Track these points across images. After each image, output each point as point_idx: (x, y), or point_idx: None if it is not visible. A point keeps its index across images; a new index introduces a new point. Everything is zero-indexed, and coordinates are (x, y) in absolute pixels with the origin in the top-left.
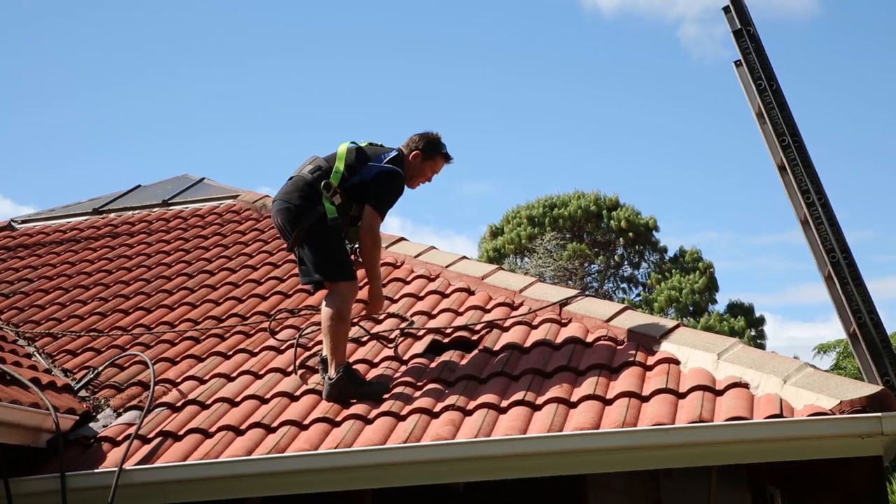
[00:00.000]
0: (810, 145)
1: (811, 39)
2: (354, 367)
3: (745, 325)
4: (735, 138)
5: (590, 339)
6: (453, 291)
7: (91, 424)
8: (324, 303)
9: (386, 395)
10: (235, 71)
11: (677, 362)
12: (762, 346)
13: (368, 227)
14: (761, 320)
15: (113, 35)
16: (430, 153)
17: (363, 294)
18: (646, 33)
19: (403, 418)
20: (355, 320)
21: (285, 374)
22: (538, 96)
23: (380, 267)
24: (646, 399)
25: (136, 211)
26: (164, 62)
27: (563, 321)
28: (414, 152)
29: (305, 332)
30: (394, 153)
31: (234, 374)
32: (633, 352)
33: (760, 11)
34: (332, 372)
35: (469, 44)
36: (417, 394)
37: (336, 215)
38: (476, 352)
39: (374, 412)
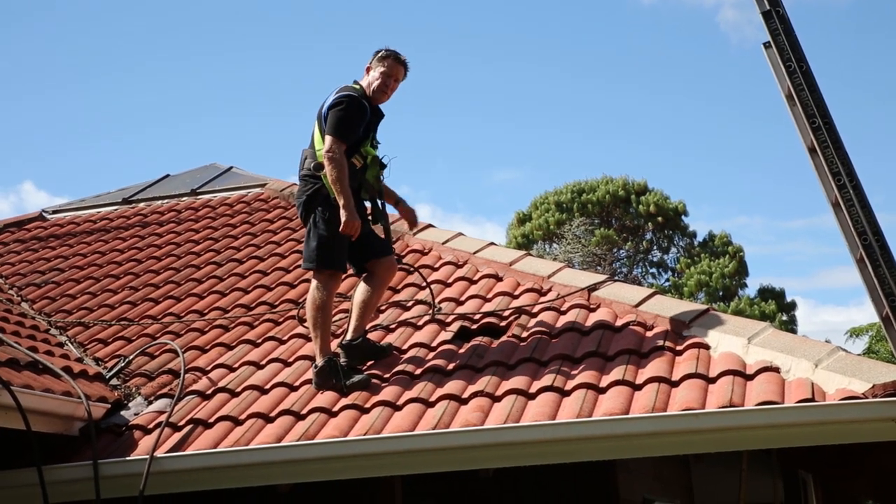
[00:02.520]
0: (844, 128)
1: (852, 23)
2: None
3: (777, 309)
4: (767, 122)
5: (619, 324)
6: (481, 278)
7: (122, 412)
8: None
9: (416, 381)
10: (263, 57)
11: (707, 347)
12: (794, 331)
13: (326, 154)
14: (793, 304)
15: (143, 20)
16: (379, 59)
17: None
18: (685, 18)
19: (432, 404)
20: (383, 307)
21: (314, 361)
22: (570, 83)
23: (347, 188)
24: (675, 384)
25: (165, 200)
26: (189, 47)
27: (591, 307)
28: (366, 67)
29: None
30: (340, 86)
31: (264, 362)
32: (663, 337)
33: None
34: (318, 360)
35: (502, 32)
36: (446, 380)
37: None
38: (504, 338)
39: (403, 398)
